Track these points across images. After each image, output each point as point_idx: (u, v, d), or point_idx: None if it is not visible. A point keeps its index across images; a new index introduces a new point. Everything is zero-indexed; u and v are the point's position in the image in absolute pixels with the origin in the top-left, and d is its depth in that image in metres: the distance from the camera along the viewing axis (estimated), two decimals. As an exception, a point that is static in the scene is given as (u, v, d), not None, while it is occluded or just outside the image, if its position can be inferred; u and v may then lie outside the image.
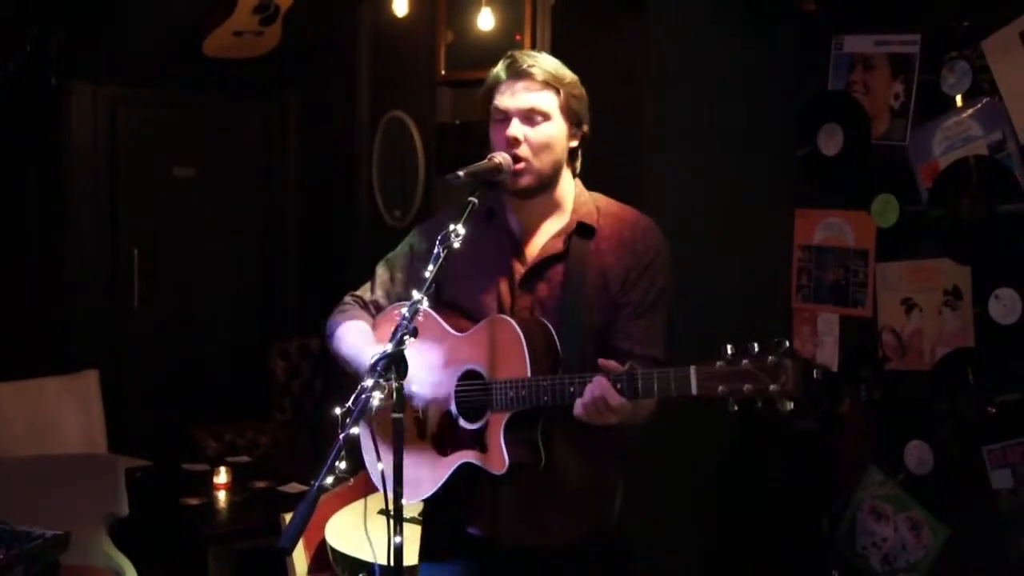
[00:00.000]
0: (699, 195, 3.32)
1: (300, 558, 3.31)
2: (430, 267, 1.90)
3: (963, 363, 2.90)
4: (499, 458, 2.02)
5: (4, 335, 4.93)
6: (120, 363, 5.41)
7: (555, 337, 2.05)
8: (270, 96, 5.95)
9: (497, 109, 2.10)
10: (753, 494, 3.44)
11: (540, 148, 2.07)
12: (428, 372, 2.12)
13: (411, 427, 2.17)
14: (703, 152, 3.34)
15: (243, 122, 5.94)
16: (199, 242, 5.76)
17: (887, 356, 3.11)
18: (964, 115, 2.89)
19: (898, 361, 3.08)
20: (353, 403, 1.77)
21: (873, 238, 3.14)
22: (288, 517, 2.15)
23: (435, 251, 1.92)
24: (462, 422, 2.11)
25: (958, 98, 2.90)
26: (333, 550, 3.10)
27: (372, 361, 1.89)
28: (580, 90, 2.13)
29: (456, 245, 1.91)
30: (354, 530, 3.14)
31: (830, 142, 3.22)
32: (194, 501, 4.02)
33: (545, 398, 1.97)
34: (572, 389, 1.94)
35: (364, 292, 2.34)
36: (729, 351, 1.79)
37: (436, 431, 2.16)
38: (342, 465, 1.71)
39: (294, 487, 4.17)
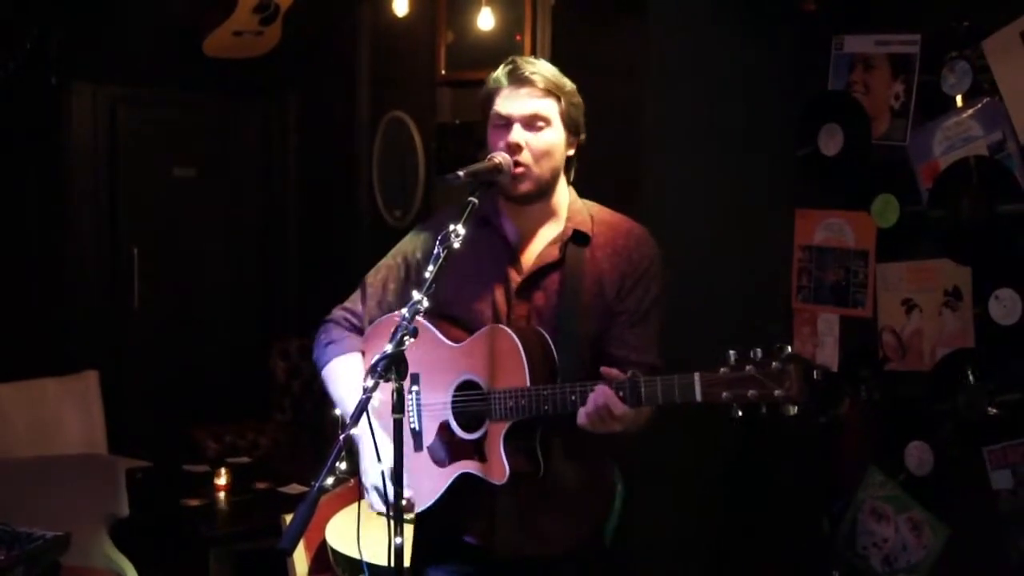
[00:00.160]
0: (699, 195, 3.32)
1: (301, 559, 3.30)
2: (430, 267, 1.90)
3: (963, 363, 2.90)
4: (499, 467, 2.02)
5: (4, 335, 4.92)
6: (120, 363, 5.40)
7: (552, 346, 2.05)
8: (270, 96, 5.94)
9: (498, 115, 2.09)
10: (754, 495, 3.44)
11: (541, 155, 2.07)
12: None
13: (407, 439, 2.15)
14: (703, 152, 3.34)
15: (243, 122, 5.93)
16: (199, 242, 5.74)
17: (887, 356, 3.11)
18: (964, 115, 2.89)
19: (898, 361, 3.08)
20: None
21: (873, 238, 3.14)
22: (289, 518, 2.15)
23: (435, 251, 1.91)
24: (460, 432, 2.10)
25: (958, 98, 2.90)
26: (334, 551, 3.10)
27: (372, 361, 1.89)
28: (579, 99, 2.14)
29: (456, 245, 1.91)
30: (355, 531, 3.13)
31: (830, 142, 3.22)
32: (195, 502, 4.01)
33: (546, 407, 1.96)
34: (574, 398, 1.93)
35: (355, 304, 2.29)
36: (732, 357, 1.79)
37: (433, 442, 2.15)
38: (342, 466, 1.71)
39: (295, 488, 4.16)
